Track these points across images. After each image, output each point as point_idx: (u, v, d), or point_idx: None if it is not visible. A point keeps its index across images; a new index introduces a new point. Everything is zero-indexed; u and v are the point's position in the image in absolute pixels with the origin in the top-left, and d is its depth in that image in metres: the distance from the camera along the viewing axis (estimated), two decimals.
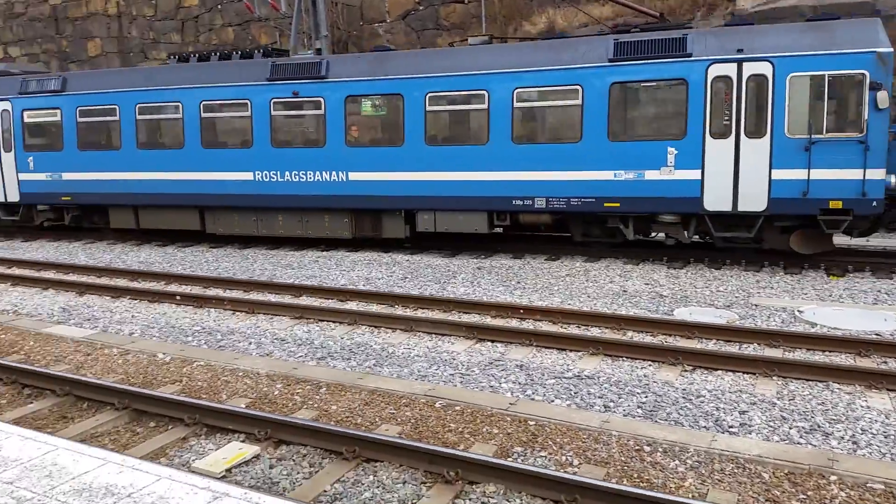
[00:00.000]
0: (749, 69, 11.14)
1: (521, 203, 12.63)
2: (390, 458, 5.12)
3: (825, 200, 10.93)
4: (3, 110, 17.03)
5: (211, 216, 15.09)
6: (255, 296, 10.59)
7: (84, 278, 12.21)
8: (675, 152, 11.61)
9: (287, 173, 14.14)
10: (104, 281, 11.87)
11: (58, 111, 16.25)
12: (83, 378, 6.83)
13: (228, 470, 5.25)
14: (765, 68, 11.06)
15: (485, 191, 12.78)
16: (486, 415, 5.84)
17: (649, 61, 11.65)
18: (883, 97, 10.39)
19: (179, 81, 14.98)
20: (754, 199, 11.26)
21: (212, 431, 5.94)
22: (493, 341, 8.19)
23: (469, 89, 12.76)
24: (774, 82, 11.02)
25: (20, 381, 7.03)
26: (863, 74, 10.57)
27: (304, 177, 14.04)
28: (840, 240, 12.44)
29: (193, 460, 5.47)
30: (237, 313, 9.73)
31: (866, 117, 10.60)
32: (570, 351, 7.80)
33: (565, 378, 6.95)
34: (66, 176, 16.35)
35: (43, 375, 6.94)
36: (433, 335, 8.49)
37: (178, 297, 10.43)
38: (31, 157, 16.80)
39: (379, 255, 13.67)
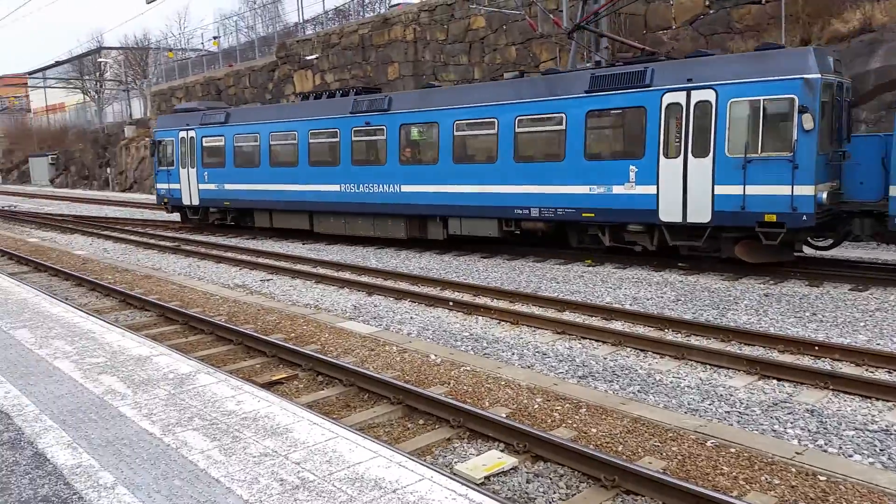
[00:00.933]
0: (696, 96, 12.39)
1: (521, 212, 14.78)
2: (652, 495, 4.77)
3: (761, 214, 11.87)
4: (191, 137, 22.42)
5: (316, 219, 19.29)
6: (520, 307, 10.75)
7: (373, 280, 13.45)
8: (636, 170, 13.13)
9: (362, 185, 17.73)
10: (389, 283, 12.96)
11: (222, 138, 21.37)
12: (366, 371, 7.47)
13: (487, 477, 5.33)
14: (709, 95, 12.24)
15: (495, 201, 15.15)
16: (765, 462, 5.19)
17: (617, 92, 13.34)
18: (808, 119, 11.18)
19: (296, 115, 19.50)
20: (700, 212, 12.43)
21: (473, 436, 6.09)
22: (779, 379, 7.29)
23: (483, 117, 15.30)
24: (717, 107, 12.15)
25: (316, 368, 7.92)
26: (792, 99, 11.40)
27: (372, 188, 17.49)
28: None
29: (455, 462, 5.64)
30: (502, 323, 9.95)
31: (795, 138, 11.35)
32: (878, 399, 6.64)
33: (869, 431, 5.92)
34: (227, 186, 21.36)
35: (334, 366, 7.73)
36: (707, 366, 7.82)
37: (450, 304, 11.00)
38: (206, 172, 22.02)
39: (649, 273, 13.08)
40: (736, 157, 11.99)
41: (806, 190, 11.46)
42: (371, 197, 17.57)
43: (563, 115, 14.07)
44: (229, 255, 17.38)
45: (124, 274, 14.89)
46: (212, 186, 21.96)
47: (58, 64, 66.16)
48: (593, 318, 10.04)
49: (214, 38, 43.18)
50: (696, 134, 12.41)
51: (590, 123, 13.79)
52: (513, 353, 8.50)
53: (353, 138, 17.83)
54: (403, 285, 12.73)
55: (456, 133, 15.79)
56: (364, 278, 13.59)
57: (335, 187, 18.34)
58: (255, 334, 9.17)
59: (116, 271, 15.29)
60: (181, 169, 23.01)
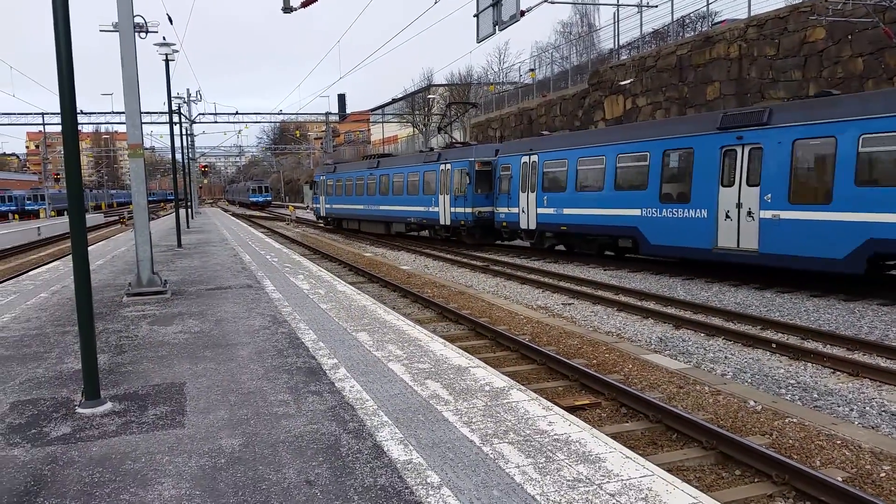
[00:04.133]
0: None
1: None
2: None
3: None
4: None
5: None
6: (860, 357, 9.30)
7: (681, 312, 12.77)
8: None
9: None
10: (700, 317, 12.18)
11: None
12: (676, 410, 7.08)
13: None
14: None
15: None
16: None
17: None
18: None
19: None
20: None
21: (800, 497, 5.41)
22: None
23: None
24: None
25: (619, 399, 7.73)
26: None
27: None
28: None
29: None
30: (837, 373, 8.70)
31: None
32: None
33: None
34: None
35: (640, 399, 7.46)
36: None
37: (773, 345, 9.95)
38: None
39: None
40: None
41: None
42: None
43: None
44: (532, 276, 17.95)
45: (441, 289, 16.24)
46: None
47: (394, 101, 75.50)
48: None
49: (531, 70, 45.38)
50: None
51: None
52: (851, 410, 7.37)
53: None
54: (716, 321, 11.87)
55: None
56: (670, 310, 12.97)
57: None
58: (558, 357, 9.29)
59: (434, 286, 16.75)
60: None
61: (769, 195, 14.32)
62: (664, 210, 17.27)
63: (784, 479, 5.55)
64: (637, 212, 18.10)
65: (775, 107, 15.06)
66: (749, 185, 14.88)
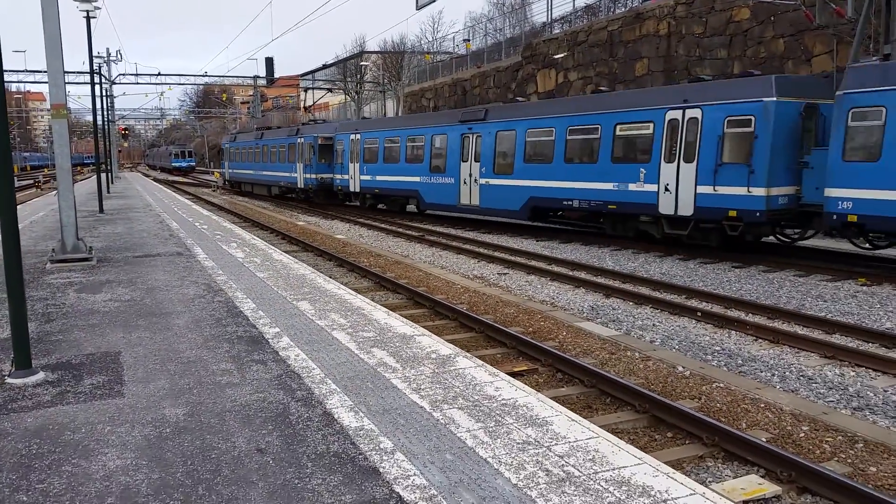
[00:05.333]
0: None
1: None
2: None
3: None
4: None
5: None
6: (780, 325, 9.86)
7: (610, 282, 13.19)
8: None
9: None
10: (628, 287, 12.61)
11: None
12: (609, 374, 7.35)
13: (745, 502, 4.99)
14: None
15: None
16: None
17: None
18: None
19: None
20: None
21: (729, 458, 5.74)
22: None
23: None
24: None
25: (556, 365, 7.97)
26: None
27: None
28: None
29: (709, 481, 5.35)
30: (759, 340, 9.20)
31: None
32: None
33: None
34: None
35: (575, 365, 7.71)
36: None
37: (698, 314, 10.42)
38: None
39: None
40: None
41: None
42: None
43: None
44: (468, 247, 18.12)
45: (377, 258, 16.19)
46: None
47: (325, 67, 73.80)
48: (870, 343, 8.91)
49: (465, 40, 45.18)
50: None
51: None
52: (773, 375, 7.83)
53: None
54: (644, 290, 12.32)
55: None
56: (600, 279, 13.38)
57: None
58: (496, 325, 9.47)
59: (370, 255, 16.68)
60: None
61: (484, 168, 21.57)
62: (433, 178, 24.00)
63: (714, 441, 5.87)
64: (417, 178, 24.85)
65: (489, 108, 22.40)
66: (475, 161, 21.95)
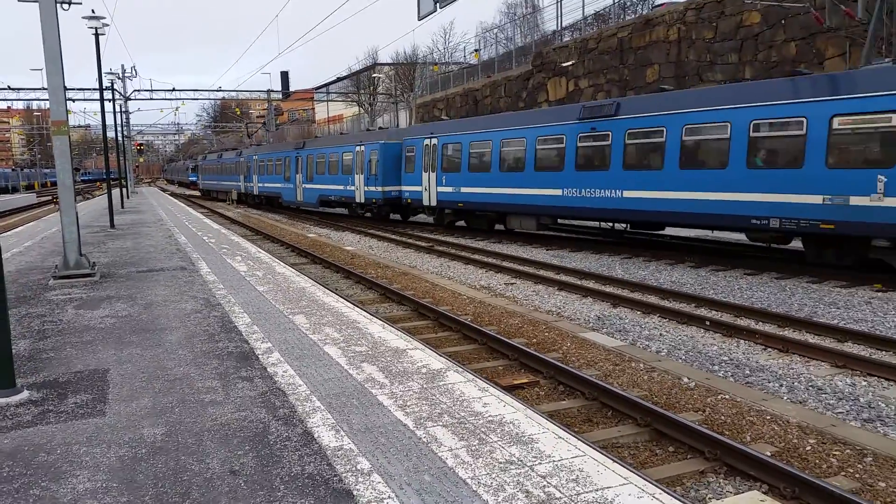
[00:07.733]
0: None
1: None
2: None
3: None
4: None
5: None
6: (790, 333, 9.58)
7: (619, 291, 12.95)
8: None
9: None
10: (637, 296, 12.36)
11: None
12: (611, 387, 7.14)
13: None
14: None
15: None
16: None
17: None
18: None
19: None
20: None
21: (731, 472, 5.52)
22: None
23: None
24: None
25: (557, 378, 7.77)
26: None
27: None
28: None
29: (709, 498, 5.14)
30: (769, 349, 8.94)
31: None
32: None
33: None
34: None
35: (577, 377, 7.51)
36: None
37: (707, 323, 10.17)
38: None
39: None
40: None
41: None
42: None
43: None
44: (476, 257, 17.96)
45: (385, 270, 16.07)
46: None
47: (339, 80, 74.19)
48: (883, 352, 8.61)
49: (475, 50, 45.16)
50: None
51: None
52: (780, 385, 7.57)
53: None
54: (652, 299, 12.07)
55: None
56: (609, 288, 13.14)
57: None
58: (499, 336, 9.28)
59: (378, 267, 16.57)
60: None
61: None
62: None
63: (716, 455, 5.65)
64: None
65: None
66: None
